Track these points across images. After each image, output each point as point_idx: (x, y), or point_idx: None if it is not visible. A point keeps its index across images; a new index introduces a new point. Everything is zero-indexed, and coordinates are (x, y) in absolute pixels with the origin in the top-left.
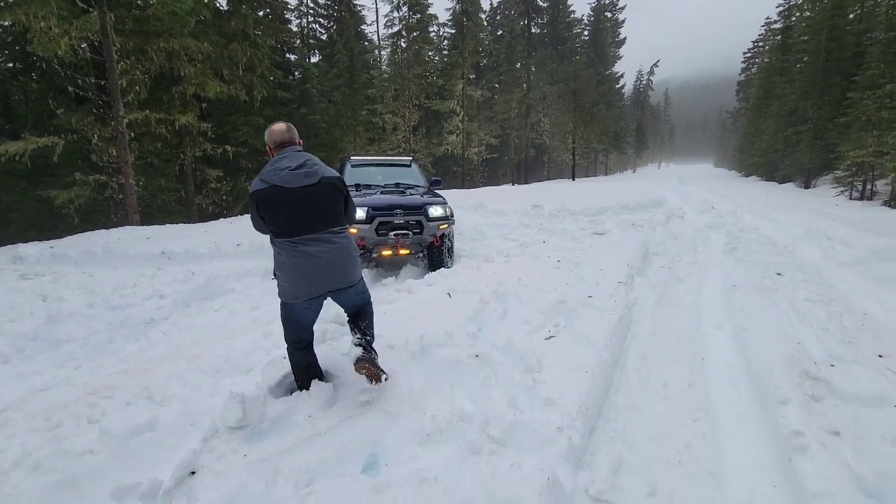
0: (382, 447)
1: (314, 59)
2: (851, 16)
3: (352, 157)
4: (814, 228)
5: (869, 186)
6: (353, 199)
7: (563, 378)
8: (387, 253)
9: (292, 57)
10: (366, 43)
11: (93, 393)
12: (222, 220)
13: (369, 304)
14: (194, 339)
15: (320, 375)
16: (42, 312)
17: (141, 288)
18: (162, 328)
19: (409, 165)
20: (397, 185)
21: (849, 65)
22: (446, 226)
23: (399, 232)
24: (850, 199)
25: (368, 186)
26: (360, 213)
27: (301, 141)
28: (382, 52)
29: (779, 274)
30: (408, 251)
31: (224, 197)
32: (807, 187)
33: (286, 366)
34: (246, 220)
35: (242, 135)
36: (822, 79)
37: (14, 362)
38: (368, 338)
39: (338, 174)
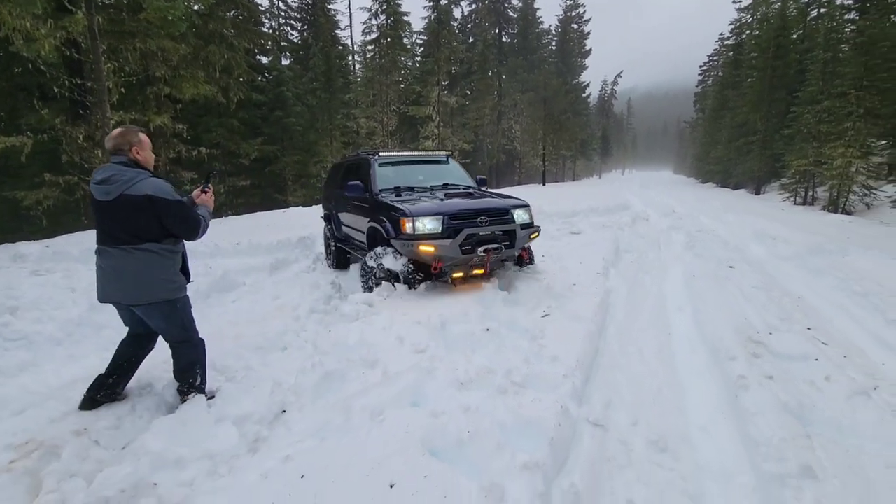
0: (425, 394)
1: (286, 62)
2: (795, 35)
3: (379, 154)
4: (761, 229)
5: (810, 193)
6: (406, 205)
7: (561, 343)
8: (458, 275)
9: (265, 59)
10: (340, 47)
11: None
12: None
13: (182, 343)
14: (231, 322)
15: (121, 376)
16: (84, 301)
17: None
18: None
19: (447, 162)
20: (445, 185)
21: (792, 81)
22: (536, 235)
23: (490, 246)
24: (795, 204)
25: (411, 189)
26: (432, 224)
27: (135, 148)
28: (357, 57)
29: (730, 266)
30: (482, 271)
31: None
32: (757, 193)
33: (332, 338)
34: (234, 220)
35: (216, 136)
36: (769, 93)
37: (66, 345)
38: (185, 386)
39: (150, 193)
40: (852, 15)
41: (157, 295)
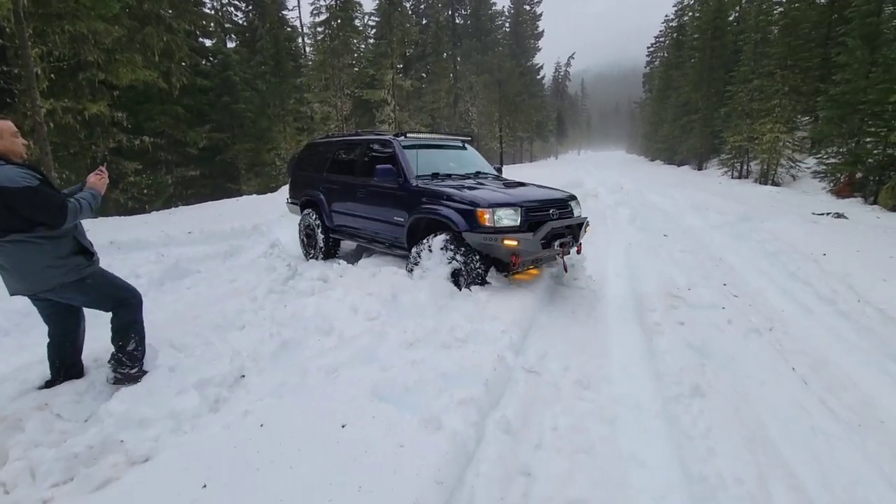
0: (377, 354)
1: (231, 45)
2: (731, 17)
3: (408, 135)
4: (698, 202)
5: (745, 167)
6: (476, 195)
7: (502, 306)
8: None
9: (208, 42)
10: (288, 29)
11: None
12: (154, 213)
13: (117, 307)
14: (189, 305)
15: (68, 374)
16: None
17: (116, 269)
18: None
19: (465, 148)
20: (477, 173)
21: (729, 61)
22: (588, 227)
23: (564, 240)
24: (732, 178)
25: (449, 176)
26: (511, 216)
27: None
28: (307, 40)
29: (665, 235)
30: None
31: (144, 191)
32: (699, 169)
33: (290, 311)
34: (185, 210)
35: (160, 125)
36: (708, 73)
37: (14, 335)
38: (120, 355)
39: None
40: None
41: (49, 282)
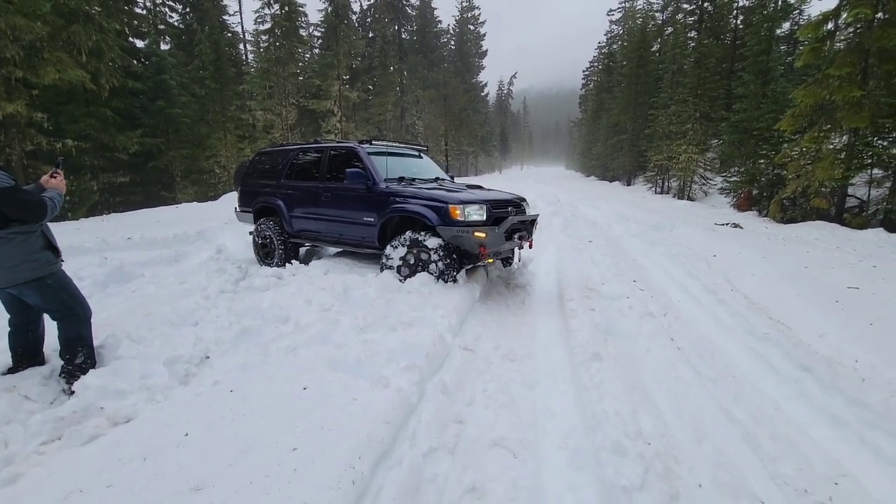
0: (332, 338)
1: (165, 47)
2: (654, 48)
3: (372, 142)
4: (622, 213)
5: (666, 183)
6: (445, 194)
7: (444, 298)
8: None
9: (140, 43)
10: (229, 34)
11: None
12: (84, 220)
13: (64, 318)
14: (139, 304)
15: (30, 362)
16: None
17: None
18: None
19: (421, 157)
20: (437, 179)
21: (652, 87)
22: (536, 227)
23: (523, 233)
24: (655, 193)
25: (413, 180)
26: (478, 212)
27: None
28: (249, 47)
29: (590, 241)
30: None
31: (66, 197)
32: (628, 185)
33: (247, 304)
34: (121, 217)
35: (85, 128)
36: (634, 98)
37: None
38: (70, 368)
39: None
40: (693, 34)
41: (19, 276)
